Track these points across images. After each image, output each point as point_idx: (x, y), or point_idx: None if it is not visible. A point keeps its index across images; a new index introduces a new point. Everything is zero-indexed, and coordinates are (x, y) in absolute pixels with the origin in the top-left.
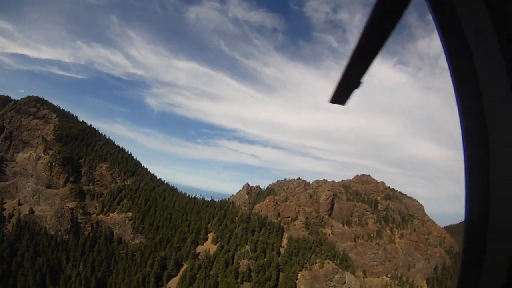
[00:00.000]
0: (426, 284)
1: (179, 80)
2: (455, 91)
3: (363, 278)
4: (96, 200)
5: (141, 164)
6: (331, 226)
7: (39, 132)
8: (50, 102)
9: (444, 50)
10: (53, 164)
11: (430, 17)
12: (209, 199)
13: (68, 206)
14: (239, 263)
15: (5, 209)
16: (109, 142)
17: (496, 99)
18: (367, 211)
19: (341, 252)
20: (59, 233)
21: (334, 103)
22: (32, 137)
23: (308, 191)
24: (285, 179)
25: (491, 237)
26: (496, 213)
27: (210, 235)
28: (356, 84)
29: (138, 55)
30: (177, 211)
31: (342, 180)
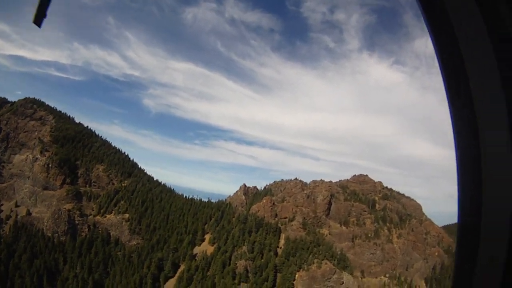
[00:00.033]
0: (424, 284)
1: (176, 81)
2: (446, 91)
3: (361, 278)
4: (93, 201)
5: (138, 166)
6: (329, 227)
7: (36, 133)
8: (47, 103)
9: (435, 49)
10: (50, 165)
11: None
12: (206, 200)
13: (65, 208)
14: (236, 264)
15: (2, 211)
16: (105, 144)
17: (487, 98)
18: (365, 211)
19: (339, 253)
20: (56, 234)
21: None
22: (29, 138)
23: (305, 192)
24: (282, 179)
25: (484, 236)
26: (489, 212)
27: (207, 236)
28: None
29: (135, 56)
30: (174, 212)
31: (340, 180)
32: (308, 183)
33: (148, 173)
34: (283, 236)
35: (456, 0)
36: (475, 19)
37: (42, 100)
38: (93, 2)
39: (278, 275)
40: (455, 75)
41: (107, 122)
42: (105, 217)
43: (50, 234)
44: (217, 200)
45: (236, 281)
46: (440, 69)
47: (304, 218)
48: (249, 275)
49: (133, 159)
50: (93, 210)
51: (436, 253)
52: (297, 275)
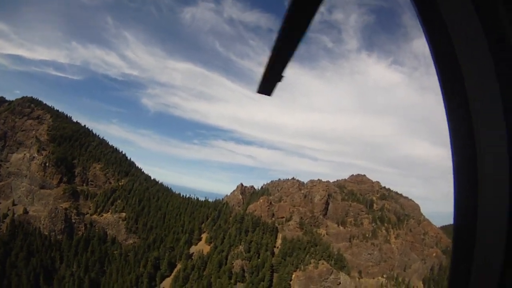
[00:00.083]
0: (422, 285)
1: (174, 80)
2: (441, 91)
3: (358, 278)
4: (90, 200)
5: (135, 165)
6: (326, 226)
7: (33, 132)
8: (44, 102)
9: (430, 49)
10: (47, 164)
11: None
12: (203, 199)
13: (61, 207)
14: (233, 263)
15: None
16: (103, 143)
17: (483, 98)
18: (362, 211)
19: (336, 253)
20: (53, 233)
21: (261, 93)
22: (26, 137)
23: (302, 191)
24: (279, 179)
25: (480, 236)
26: (485, 212)
27: (203, 236)
28: (279, 77)
29: (134, 56)
30: (171, 211)
31: (337, 180)
32: (305, 182)
33: (146, 172)
34: (280, 236)
35: (452, 0)
36: (471, 19)
37: (39, 99)
38: (92, 1)
39: (275, 275)
40: (450, 75)
41: (106, 122)
42: (102, 216)
43: (46, 233)
44: (214, 200)
45: (232, 281)
46: (436, 69)
47: (301, 218)
48: (246, 274)
49: (130, 158)
50: (90, 209)
51: (434, 254)
52: (293, 275)
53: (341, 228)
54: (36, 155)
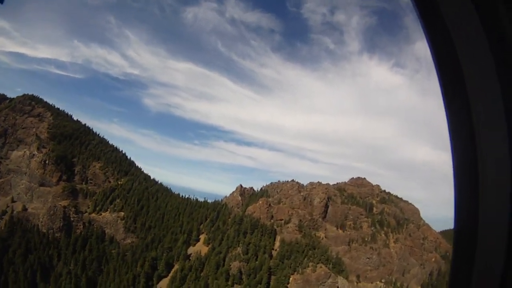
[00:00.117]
0: None
1: (176, 80)
2: (442, 93)
3: (357, 283)
4: (89, 199)
5: (135, 164)
6: (325, 230)
7: (34, 130)
8: (45, 100)
9: (431, 50)
10: (47, 162)
11: None
12: (202, 200)
13: (60, 204)
14: (230, 265)
15: None
16: (103, 142)
17: (484, 100)
18: (362, 215)
19: (335, 256)
20: (51, 231)
21: None
22: (27, 135)
23: (301, 194)
24: (279, 181)
25: (481, 240)
26: (486, 216)
27: (202, 236)
28: None
29: (135, 55)
30: (170, 212)
31: (337, 183)
32: (305, 185)
33: (145, 171)
34: (278, 238)
35: (452, 0)
36: (471, 19)
37: (40, 97)
38: (94, 0)
39: (272, 277)
40: (451, 76)
41: (107, 121)
42: (101, 214)
43: (45, 230)
44: (213, 200)
45: (229, 283)
46: (436, 69)
47: (300, 220)
48: (243, 276)
49: (130, 158)
50: (88, 208)
51: (433, 259)
52: (291, 278)
53: (340, 231)
54: (36, 153)
